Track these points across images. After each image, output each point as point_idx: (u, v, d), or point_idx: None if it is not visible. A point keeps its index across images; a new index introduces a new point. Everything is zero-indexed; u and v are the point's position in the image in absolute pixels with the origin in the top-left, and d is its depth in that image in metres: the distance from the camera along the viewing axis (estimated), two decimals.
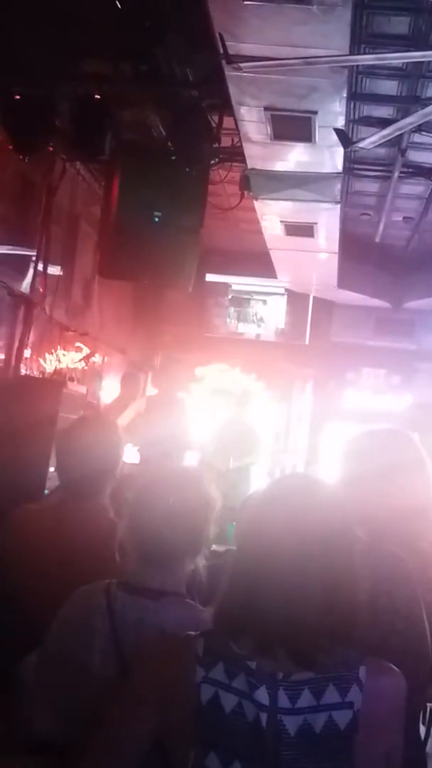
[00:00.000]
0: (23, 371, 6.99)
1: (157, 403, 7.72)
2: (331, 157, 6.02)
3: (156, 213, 6.21)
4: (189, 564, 2.05)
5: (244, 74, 4.71)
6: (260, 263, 9.57)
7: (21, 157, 6.04)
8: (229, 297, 11.40)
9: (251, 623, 1.51)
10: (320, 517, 1.56)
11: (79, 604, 2.03)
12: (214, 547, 2.22)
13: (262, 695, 1.46)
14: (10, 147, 5.81)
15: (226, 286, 11.32)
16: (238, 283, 11.29)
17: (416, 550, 2.22)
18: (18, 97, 5.59)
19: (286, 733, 1.45)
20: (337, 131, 5.39)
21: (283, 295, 11.18)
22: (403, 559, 2.08)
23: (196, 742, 1.47)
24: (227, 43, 4.42)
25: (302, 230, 7.70)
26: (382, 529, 2.08)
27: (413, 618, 2.03)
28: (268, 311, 11.36)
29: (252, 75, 4.75)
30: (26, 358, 7.05)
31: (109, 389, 8.93)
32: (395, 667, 1.55)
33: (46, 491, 4.93)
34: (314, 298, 10.87)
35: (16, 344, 6.93)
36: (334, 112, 5.21)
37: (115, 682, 1.81)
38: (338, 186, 6.62)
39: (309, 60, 4.44)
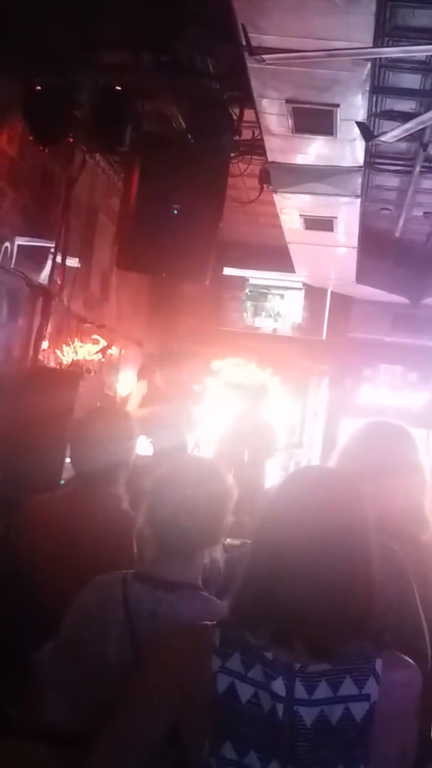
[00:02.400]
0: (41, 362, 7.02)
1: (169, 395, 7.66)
2: (352, 151, 5.97)
3: (175, 205, 6.20)
4: (207, 555, 2.05)
5: (267, 66, 4.67)
6: (278, 257, 9.54)
7: (41, 147, 6.04)
8: (247, 291, 11.37)
9: (268, 614, 1.51)
10: (337, 508, 1.56)
11: (96, 593, 2.04)
12: (228, 540, 2.21)
13: (278, 686, 1.46)
14: (31, 137, 5.82)
15: (244, 279, 11.29)
16: (255, 277, 11.26)
17: (416, 544, 2.20)
18: (39, 87, 5.59)
19: (303, 724, 1.44)
20: (359, 125, 5.35)
21: (300, 289, 11.13)
22: (396, 551, 2.05)
23: (211, 732, 1.47)
24: (250, 35, 4.39)
25: (321, 224, 7.65)
26: (378, 523, 2.06)
27: (408, 612, 1.99)
28: (285, 306, 11.32)
29: (274, 67, 4.71)
30: (44, 350, 7.07)
31: (125, 381, 8.95)
32: (411, 661, 1.54)
33: (62, 481, 4.95)
34: (332, 293, 10.81)
35: (34, 335, 6.96)
36: (356, 106, 5.17)
37: (131, 671, 1.81)
38: (359, 180, 6.58)
39: (332, 52, 4.40)
